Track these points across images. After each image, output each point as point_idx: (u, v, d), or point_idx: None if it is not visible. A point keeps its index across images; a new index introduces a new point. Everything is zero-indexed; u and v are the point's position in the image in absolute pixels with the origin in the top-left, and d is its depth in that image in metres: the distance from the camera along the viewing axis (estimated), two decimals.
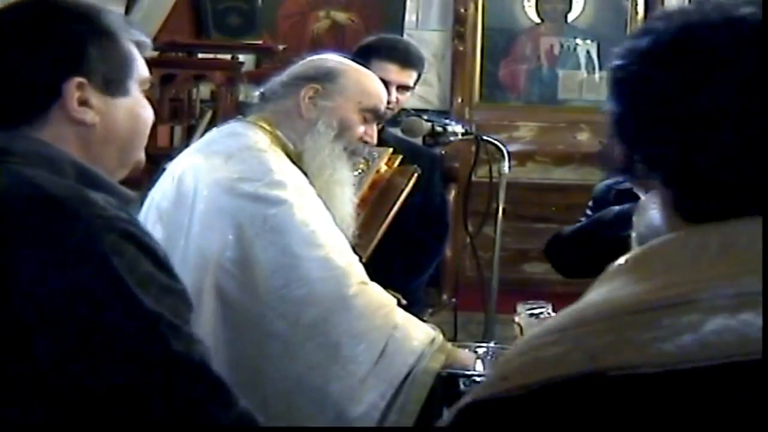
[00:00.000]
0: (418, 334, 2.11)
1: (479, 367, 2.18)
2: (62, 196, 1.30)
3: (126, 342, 1.26)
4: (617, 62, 0.98)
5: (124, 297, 1.26)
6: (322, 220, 2.13)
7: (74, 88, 1.43)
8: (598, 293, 0.93)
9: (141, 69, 1.55)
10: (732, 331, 0.83)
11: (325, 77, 2.29)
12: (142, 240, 1.32)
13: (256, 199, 2.09)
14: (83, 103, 1.45)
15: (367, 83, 2.35)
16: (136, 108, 1.52)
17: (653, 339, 0.84)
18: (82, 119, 1.44)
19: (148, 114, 1.55)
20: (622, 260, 0.96)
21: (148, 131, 1.56)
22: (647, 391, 0.83)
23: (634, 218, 1.04)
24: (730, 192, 0.91)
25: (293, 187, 2.13)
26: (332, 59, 2.38)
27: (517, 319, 2.42)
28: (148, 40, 1.58)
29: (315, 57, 2.40)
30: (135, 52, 1.54)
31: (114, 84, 1.47)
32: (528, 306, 2.44)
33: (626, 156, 0.99)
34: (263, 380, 2.03)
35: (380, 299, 2.10)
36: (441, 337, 2.18)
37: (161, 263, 1.35)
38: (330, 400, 2.01)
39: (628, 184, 3.09)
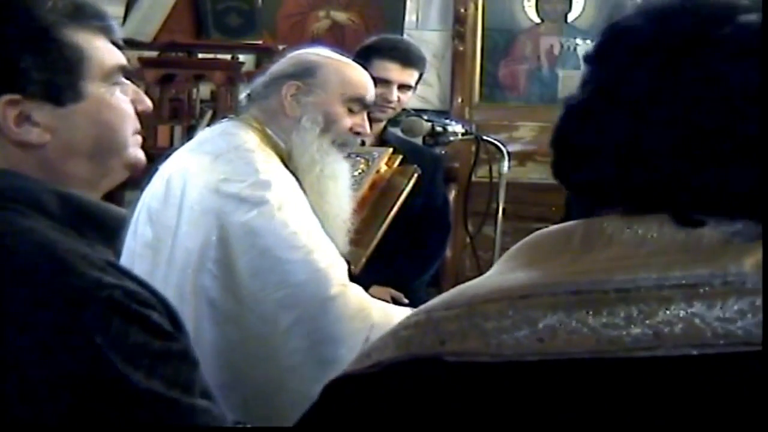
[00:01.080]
0: None
1: None
2: (33, 263, 1.14)
3: (116, 427, 1.13)
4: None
5: (111, 379, 1.12)
6: (304, 221, 2.12)
7: (7, 108, 1.24)
8: (477, 280, 0.96)
9: (100, 62, 1.34)
10: (567, 328, 0.85)
11: (305, 73, 2.28)
12: (128, 307, 1.16)
13: (239, 200, 2.09)
14: (24, 121, 1.25)
15: (348, 73, 2.32)
16: (97, 110, 1.33)
17: (496, 329, 0.86)
18: (26, 141, 1.25)
19: (117, 112, 1.36)
20: (511, 249, 0.99)
21: (125, 129, 1.37)
22: (482, 379, 0.85)
23: None
24: (591, 189, 0.94)
25: (277, 188, 2.12)
26: (311, 53, 2.36)
27: None
28: (113, 23, 1.39)
29: (295, 53, 2.38)
30: (90, 42, 1.33)
31: (61, 91, 1.28)
32: None
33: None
34: (245, 381, 2.03)
35: (359, 301, 2.10)
36: None
37: (153, 326, 1.19)
38: (309, 402, 2.01)
39: None
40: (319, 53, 2.35)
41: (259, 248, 2.04)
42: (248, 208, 2.07)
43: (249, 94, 2.36)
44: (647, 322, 0.84)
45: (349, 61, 2.38)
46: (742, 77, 0.86)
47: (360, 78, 2.33)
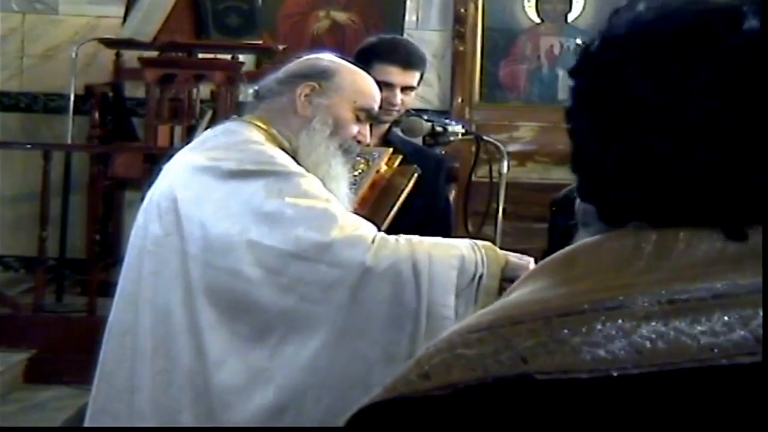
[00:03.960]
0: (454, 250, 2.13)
1: None
2: None
3: None
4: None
5: None
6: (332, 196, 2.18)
7: None
8: (523, 292, 0.91)
9: None
10: (664, 338, 0.82)
11: (321, 75, 2.30)
12: None
13: (264, 175, 2.12)
14: None
15: (362, 83, 2.35)
16: None
17: (585, 343, 0.82)
18: None
19: None
20: (546, 260, 0.94)
21: None
22: (577, 396, 0.81)
23: (580, 228, 1.03)
24: (651, 201, 0.90)
25: (295, 168, 2.17)
26: (327, 58, 2.39)
27: None
28: None
29: (310, 56, 2.40)
30: None
31: None
32: None
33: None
34: (322, 326, 2.04)
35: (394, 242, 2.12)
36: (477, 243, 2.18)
37: None
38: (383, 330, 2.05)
39: None
40: (336, 60, 2.39)
41: (300, 208, 2.08)
42: (276, 179, 2.11)
43: (257, 91, 2.37)
44: (747, 327, 0.82)
45: (364, 72, 2.41)
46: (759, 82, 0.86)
47: (372, 90, 2.38)
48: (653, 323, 0.82)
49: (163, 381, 2.06)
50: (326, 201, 2.12)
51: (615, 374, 0.81)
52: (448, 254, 2.10)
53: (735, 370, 0.81)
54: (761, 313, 0.82)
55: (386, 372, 1.99)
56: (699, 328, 0.82)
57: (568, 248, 0.94)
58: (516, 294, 0.92)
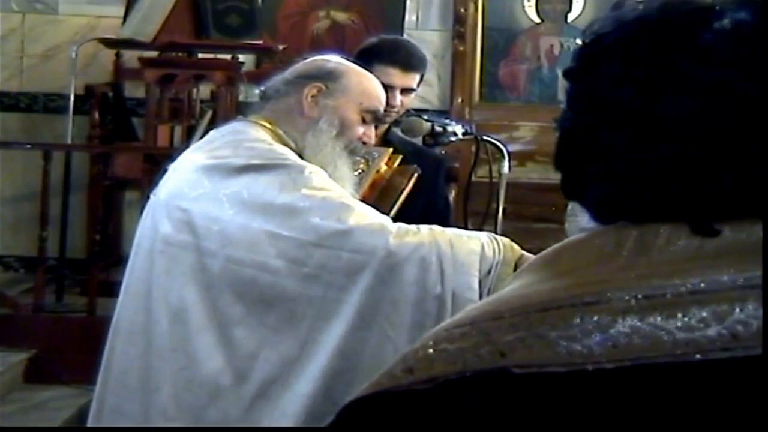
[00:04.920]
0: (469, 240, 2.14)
1: None
2: None
3: None
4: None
5: None
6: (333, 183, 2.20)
7: None
8: (512, 288, 0.92)
9: None
10: (640, 333, 0.82)
11: (328, 76, 2.32)
12: None
13: (276, 168, 2.13)
14: None
15: (369, 85, 2.37)
16: None
17: (562, 337, 0.83)
18: None
19: None
20: (537, 256, 0.96)
21: None
22: (553, 390, 0.82)
23: (566, 225, 1.04)
24: (633, 198, 0.91)
25: (305, 163, 2.19)
26: (334, 60, 2.40)
27: None
28: None
29: (317, 57, 2.42)
30: None
31: None
32: None
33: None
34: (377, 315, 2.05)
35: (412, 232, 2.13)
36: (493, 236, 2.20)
37: None
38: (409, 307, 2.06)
39: None
40: (341, 61, 2.40)
41: (316, 198, 2.09)
42: (287, 171, 2.13)
43: (264, 91, 2.38)
44: (723, 322, 0.82)
45: (370, 74, 2.42)
46: (741, 83, 0.86)
47: (378, 92, 2.40)
48: (630, 318, 0.83)
49: (185, 379, 2.06)
50: (339, 192, 2.14)
51: (590, 368, 0.81)
52: (469, 241, 2.12)
53: (710, 365, 0.81)
54: (738, 310, 0.82)
55: None
56: (675, 323, 0.82)
57: (556, 245, 0.95)
58: (504, 290, 0.93)
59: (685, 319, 0.83)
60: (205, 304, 2.07)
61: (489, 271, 2.10)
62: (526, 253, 2.18)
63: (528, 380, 0.82)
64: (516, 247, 2.19)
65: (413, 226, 2.12)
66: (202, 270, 2.08)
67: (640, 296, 0.84)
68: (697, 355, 0.81)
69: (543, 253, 0.95)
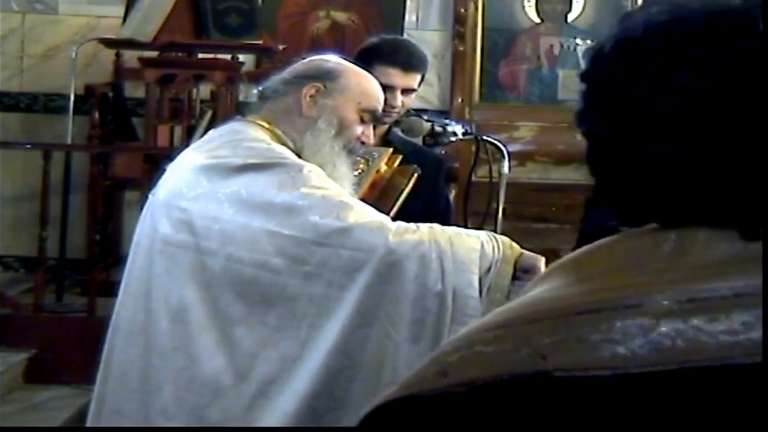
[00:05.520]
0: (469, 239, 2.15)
1: None
2: None
3: None
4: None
5: None
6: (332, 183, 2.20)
7: None
8: (540, 291, 0.91)
9: None
10: (684, 336, 0.82)
11: (326, 76, 2.32)
12: None
13: (275, 167, 2.13)
14: None
15: (367, 85, 2.37)
16: None
17: (604, 341, 0.83)
18: None
19: None
20: (563, 259, 0.95)
21: None
22: (595, 393, 0.82)
23: None
24: (668, 203, 0.90)
25: (303, 162, 2.19)
26: (332, 60, 2.40)
27: None
28: None
29: (315, 57, 2.42)
30: None
31: None
32: None
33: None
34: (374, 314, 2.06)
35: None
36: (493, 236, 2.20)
37: None
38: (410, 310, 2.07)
39: None
40: (340, 61, 2.40)
41: (314, 197, 2.09)
42: (286, 170, 2.13)
43: (262, 91, 2.38)
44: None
45: (368, 74, 2.42)
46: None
47: (376, 92, 2.40)
48: (673, 321, 0.82)
49: (186, 378, 2.06)
50: (338, 191, 2.14)
51: (634, 372, 0.81)
52: (468, 239, 2.12)
53: (753, 368, 0.81)
54: None
55: (412, 352, 2.02)
56: (718, 326, 0.82)
57: (584, 248, 0.95)
58: (533, 293, 0.92)
59: (728, 322, 0.82)
60: (205, 304, 2.07)
61: (489, 269, 2.10)
62: (525, 252, 2.19)
63: (570, 384, 0.82)
64: (515, 245, 2.19)
65: (412, 225, 2.13)
66: (202, 269, 2.08)
67: (683, 299, 0.83)
68: (741, 359, 0.81)
69: (570, 256, 0.94)
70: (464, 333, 0.90)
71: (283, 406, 2.03)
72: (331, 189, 2.13)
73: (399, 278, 2.04)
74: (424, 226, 2.12)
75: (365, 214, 2.09)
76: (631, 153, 0.90)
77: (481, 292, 2.08)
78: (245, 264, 2.06)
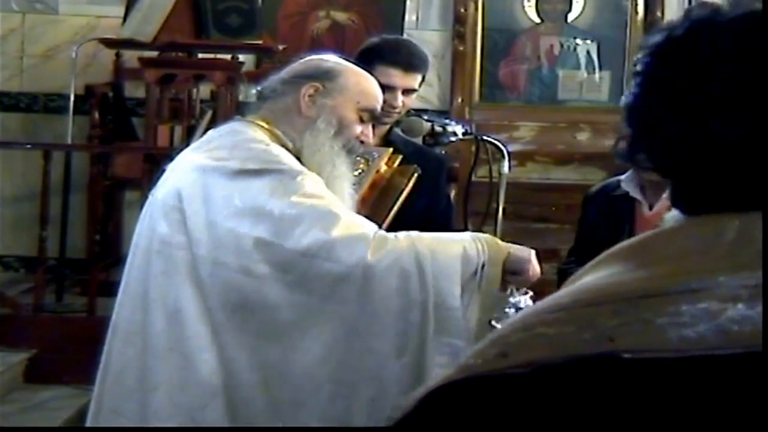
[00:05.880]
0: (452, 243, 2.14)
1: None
2: None
3: None
4: (638, 54, 0.99)
5: None
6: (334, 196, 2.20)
7: None
8: (598, 276, 0.92)
9: None
10: (750, 321, 0.83)
11: (325, 76, 2.31)
12: None
13: (269, 174, 2.13)
14: None
15: (366, 84, 2.37)
16: None
17: (671, 324, 0.84)
18: None
19: None
20: (617, 247, 0.95)
21: None
22: (663, 375, 0.83)
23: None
24: (725, 187, 0.91)
25: (298, 167, 2.18)
26: (331, 59, 2.40)
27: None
28: None
29: (314, 56, 2.42)
30: None
31: None
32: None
33: (632, 146, 1.00)
34: (335, 322, 2.05)
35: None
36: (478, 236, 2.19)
37: None
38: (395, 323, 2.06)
39: (621, 192, 3.14)
40: (338, 60, 2.40)
41: (303, 206, 2.09)
42: (283, 177, 2.12)
43: (260, 91, 2.38)
44: None
45: (366, 73, 2.42)
46: None
47: (375, 91, 2.40)
48: (739, 306, 0.83)
49: (180, 379, 2.07)
50: (329, 200, 2.13)
51: (701, 354, 0.82)
52: (450, 245, 2.11)
53: None
54: None
55: (397, 365, 2.02)
56: None
57: (642, 235, 0.95)
58: (589, 278, 0.92)
59: None
60: (199, 305, 2.07)
61: (475, 273, 2.10)
62: (513, 250, 2.18)
63: (637, 365, 0.83)
64: (501, 243, 2.18)
65: (392, 235, 2.11)
66: (195, 272, 2.08)
67: (749, 285, 0.85)
68: None
69: (625, 243, 0.95)
70: (521, 316, 0.91)
71: (268, 414, 2.04)
72: (322, 198, 2.12)
73: (380, 292, 2.03)
74: (403, 235, 2.11)
75: (350, 227, 2.08)
76: (700, 135, 0.91)
77: (464, 297, 2.08)
78: (231, 269, 2.06)
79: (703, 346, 0.83)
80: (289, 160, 2.19)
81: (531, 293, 2.33)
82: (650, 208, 2.96)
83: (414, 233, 2.14)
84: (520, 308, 2.39)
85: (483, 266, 2.10)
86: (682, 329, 0.83)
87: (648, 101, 0.96)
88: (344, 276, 2.03)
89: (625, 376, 0.83)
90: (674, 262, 0.89)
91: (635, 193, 2.97)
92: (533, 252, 2.20)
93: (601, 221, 3.04)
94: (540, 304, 0.92)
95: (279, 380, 2.05)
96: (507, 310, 2.37)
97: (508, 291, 2.36)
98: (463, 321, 2.06)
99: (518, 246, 2.23)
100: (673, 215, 0.99)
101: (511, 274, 2.18)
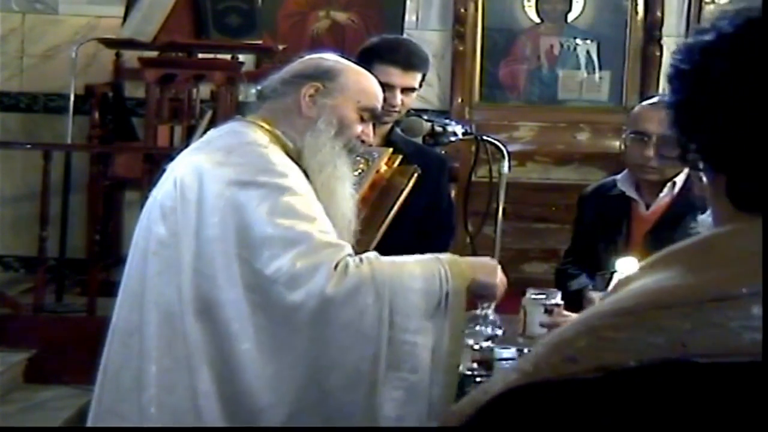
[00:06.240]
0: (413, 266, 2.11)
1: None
2: None
3: None
4: (679, 55, 0.99)
5: None
6: (317, 208, 2.15)
7: None
8: (657, 279, 0.91)
9: None
10: None
11: (325, 75, 2.30)
12: None
13: (257, 187, 2.10)
14: None
15: (366, 83, 2.36)
16: None
17: (744, 327, 0.83)
18: None
19: None
20: (670, 250, 0.94)
21: None
22: (739, 379, 0.82)
23: (700, 229, 1.04)
24: None
25: (292, 179, 2.15)
26: (331, 58, 2.39)
27: (522, 302, 2.57)
28: None
29: (313, 56, 2.40)
30: None
31: None
32: (536, 291, 2.59)
33: (682, 144, 0.99)
34: (295, 354, 2.04)
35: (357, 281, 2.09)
36: (442, 256, 2.16)
37: None
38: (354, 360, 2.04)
39: (617, 191, 3.15)
40: (338, 60, 2.38)
41: (279, 228, 2.07)
42: (272, 193, 2.10)
43: (260, 91, 2.36)
44: None
45: (367, 72, 2.41)
46: None
47: (375, 90, 2.38)
48: None
49: (169, 381, 2.07)
50: (309, 221, 2.09)
51: None
52: (410, 278, 2.07)
53: None
54: None
55: (347, 398, 2.02)
56: None
57: (698, 237, 0.95)
58: (648, 280, 0.91)
59: None
60: (186, 310, 2.08)
61: (439, 304, 2.07)
62: (478, 274, 2.14)
63: (711, 369, 0.82)
64: (465, 267, 2.13)
65: (356, 262, 2.07)
66: (197, 272, 2.09)
67: None
68: None
69: (680, 246, 0.95)
70: (583, 319, 0.90)
71: (223, 423, 2.06)
72: (303, 216, 2.09)
73: (334, 324, 2.02)
74: (367, 266, 2.07)
75: (317, 253, 2.05)
76: (758, 138, 0.92)
77: (432, 332, 2.06)
78: (206, 279, 2.07)
79: None
80: (283, 168, 2.16)
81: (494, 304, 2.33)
82: (647, 207, 2.95)
83: (380, 262, 2.10)
84: (490, 320, 2.40)
85: (446, 297, 2.07)
86: (754, 333, 0.83)
87: (703, 98, 0.96)
88: (300, 306, 2.02)
89: (699, 381, 0.83)
90: (741, 263, 0.88)
91: (631, 193, 2.97)
92: (499, 267, 2.18)
93: (598, 221, 3.03)
94: (599, 307, 0.92)
95: (233, 396, 2.06)
96: (477, 327, 2.38)
97: (477, 310, 2.36)
98: (421, 356, 2.04)
99: (483, 262, 2.21)
100: (704, 217, 0.99)
101: (478, 298, 2.17)
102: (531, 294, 2.58)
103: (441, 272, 2.09)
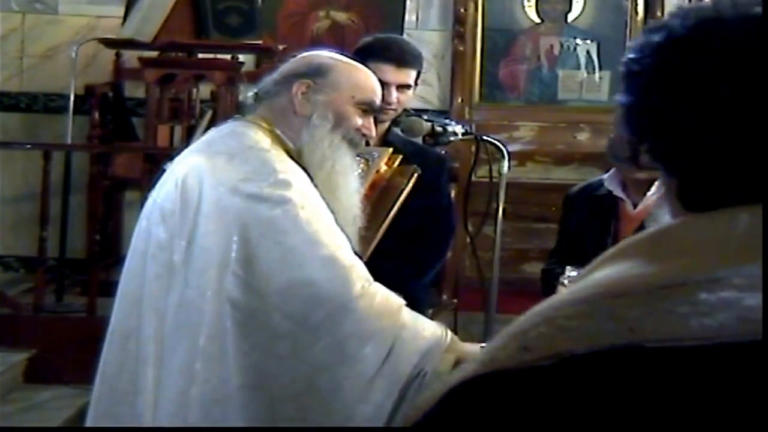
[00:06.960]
0: (426, 333, 2.12)
1: None
2: None
3: None
4: (631, 55, 1.00)
5: None
6: (325, 219, 2.13)
7: None
8: (614, 270, 0.93)
9: None
10: None
11: (316, 72, 2.28)
12: None
13: (260, 200, 2.09)
14: None
15: (359, 77, 2.33)
16: None
17: (693, 312, 0.85)
18: None
19: None
20: (630, 241, 0.96)
21: None
22: (687, 363, 0.84)
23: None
24: (734, 181, 0.92)
25: (297, 187, 2.13)
26: (323, 55, 2.37)
27: (564, 281, 2.60)
28: None
29: (305, 54, 2.38)
30: None
31: None
32: (572, 268, 2.56)
33: (633, 146, 1.01)
34: (271, 382, 2.04)
35: (387, 299, 2.11)
36: (449, 336, 2.17)
37: None
38: (339, 401, 2.03)
39: (603, 191, 3.14)
40: (332, 56, 2.36)
41: (284, 246, 2.05)
42: (271, 207, 2.08)
43: (257, 93, 2.35)
44: None
45: (360, 66, 2.39)
46: None
47: (370, 83, 2.35)
48: (756, 295, 0.85)
49: (163, 385, 2.07)
50: (299, 239, 2.09)
51: (722, 342, 0.84)
52: (406, 357, 2.08)
53: None
54: None
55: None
56: None
57: (653, 229, 0.97)
58: (602, 273, 0.93)
59: None
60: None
61: (418, 375, 2.07)
62: (465, 353, 2.13)
63: (660, 354, 0.84)
64: (450, 353, 2.13)
65: (394, 301, 2.11)
66: (185, 282, 2.08)
67: (760, 274, 0.86)
68: None
69: (638, 237, 0.96)
70: (539, 310, 0.92)
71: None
72: (302, 231, 2.09)
73: (312, 360, 2.05)
74: (406, 316, 2.10)
75: (292, 286, 2.07)
76: (719, 128, 0.92)
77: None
78: (193, 290, 2.07)
79: (723, 334, 0.84)
80: (287, 175, 2.15)
81: None
82: (634, 206, 2.95)
83: (387, 309, 2.11)
84: None
85: (424, 375, 2.07)
86: (702, 318, 0.85)
87: (655, 99, 0.96)
88: (288, 333, 2.04)
89: (648, 366, 0.84)
90: (691, 253, 0.90)
91: (618, 192, 2.96)
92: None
93: (585, 221, 3.03)
94: (556, 297, 0.93)
95: (220, 407, 2.07)
96: None
97: None
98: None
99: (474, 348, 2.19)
100: (664, 212, 1.00)
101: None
102: (569, 272, 2.56)
103: (432, 354, 2.09)
